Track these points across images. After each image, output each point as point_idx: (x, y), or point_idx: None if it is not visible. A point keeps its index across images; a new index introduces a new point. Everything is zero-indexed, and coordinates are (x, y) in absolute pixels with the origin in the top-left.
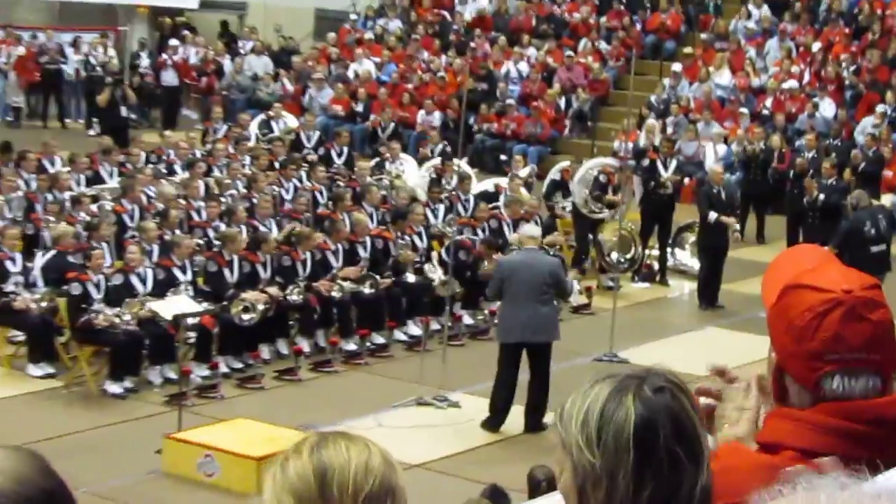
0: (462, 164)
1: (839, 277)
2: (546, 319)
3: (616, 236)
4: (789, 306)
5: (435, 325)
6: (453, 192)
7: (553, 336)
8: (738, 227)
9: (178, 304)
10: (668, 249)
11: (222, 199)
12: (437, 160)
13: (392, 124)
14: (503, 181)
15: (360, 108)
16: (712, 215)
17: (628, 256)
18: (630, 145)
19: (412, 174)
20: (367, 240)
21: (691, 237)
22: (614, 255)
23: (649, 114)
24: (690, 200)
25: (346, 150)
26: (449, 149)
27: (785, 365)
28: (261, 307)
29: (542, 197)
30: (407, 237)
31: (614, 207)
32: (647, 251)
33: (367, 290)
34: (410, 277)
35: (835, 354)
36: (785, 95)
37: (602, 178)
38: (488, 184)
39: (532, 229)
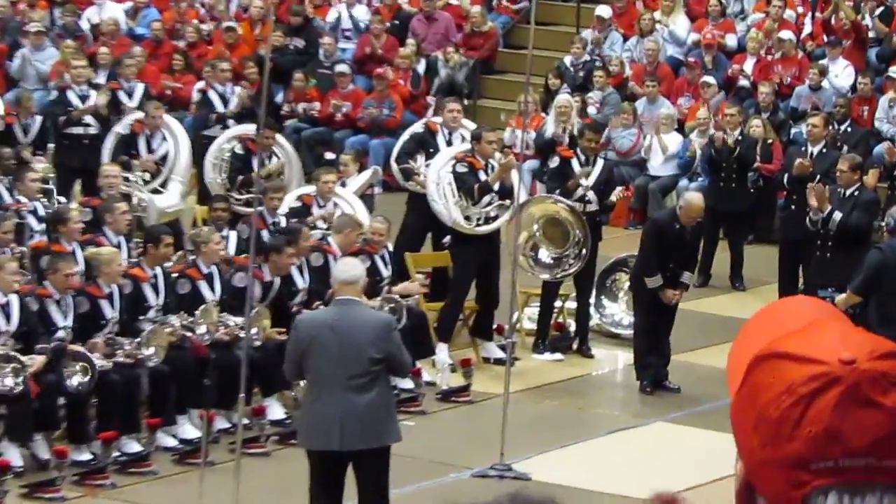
0: (289, 151)
1: (836, 342)
2: (371, 412)
3: (541, 218)
4: (759, 387)
5: (223, 423)
6: (248, 215)
7: (386, 437)
8: (680, 291)
9: None
10: (592, 300)
11: None
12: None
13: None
14: (312, 189)
15: (100, 78)
16: (655, 281)
17: (571, 241)
18: (530, 135)
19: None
20: (114, 288)
21: (627, 280)
22: (544, 253)
23: (560, 85)
24: (625, 222)
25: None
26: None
27: (756, 479)
28: None
29: (394, 159)
30: (186, 280)
31: (510, 194)
32: (558, 301)
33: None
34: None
35: (828, 461)
36: (774, 56)
37: (462, 167)
38: (296, 197)
39: (348, 268)
